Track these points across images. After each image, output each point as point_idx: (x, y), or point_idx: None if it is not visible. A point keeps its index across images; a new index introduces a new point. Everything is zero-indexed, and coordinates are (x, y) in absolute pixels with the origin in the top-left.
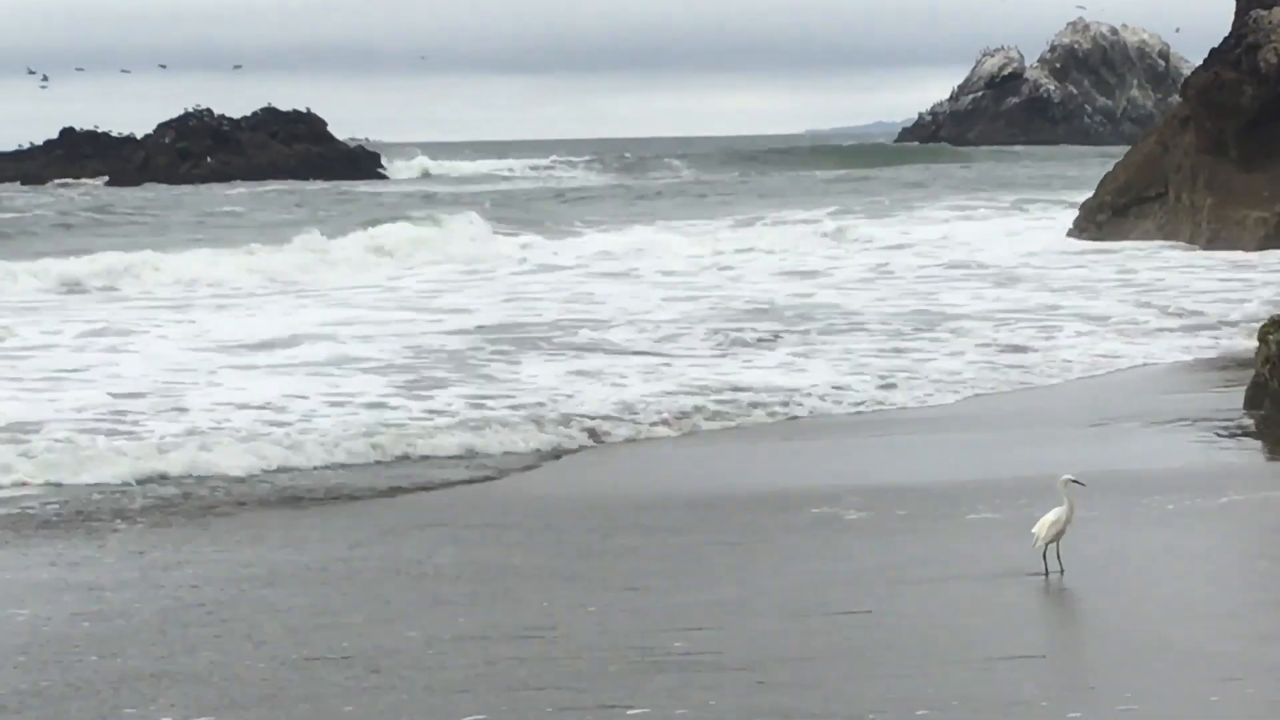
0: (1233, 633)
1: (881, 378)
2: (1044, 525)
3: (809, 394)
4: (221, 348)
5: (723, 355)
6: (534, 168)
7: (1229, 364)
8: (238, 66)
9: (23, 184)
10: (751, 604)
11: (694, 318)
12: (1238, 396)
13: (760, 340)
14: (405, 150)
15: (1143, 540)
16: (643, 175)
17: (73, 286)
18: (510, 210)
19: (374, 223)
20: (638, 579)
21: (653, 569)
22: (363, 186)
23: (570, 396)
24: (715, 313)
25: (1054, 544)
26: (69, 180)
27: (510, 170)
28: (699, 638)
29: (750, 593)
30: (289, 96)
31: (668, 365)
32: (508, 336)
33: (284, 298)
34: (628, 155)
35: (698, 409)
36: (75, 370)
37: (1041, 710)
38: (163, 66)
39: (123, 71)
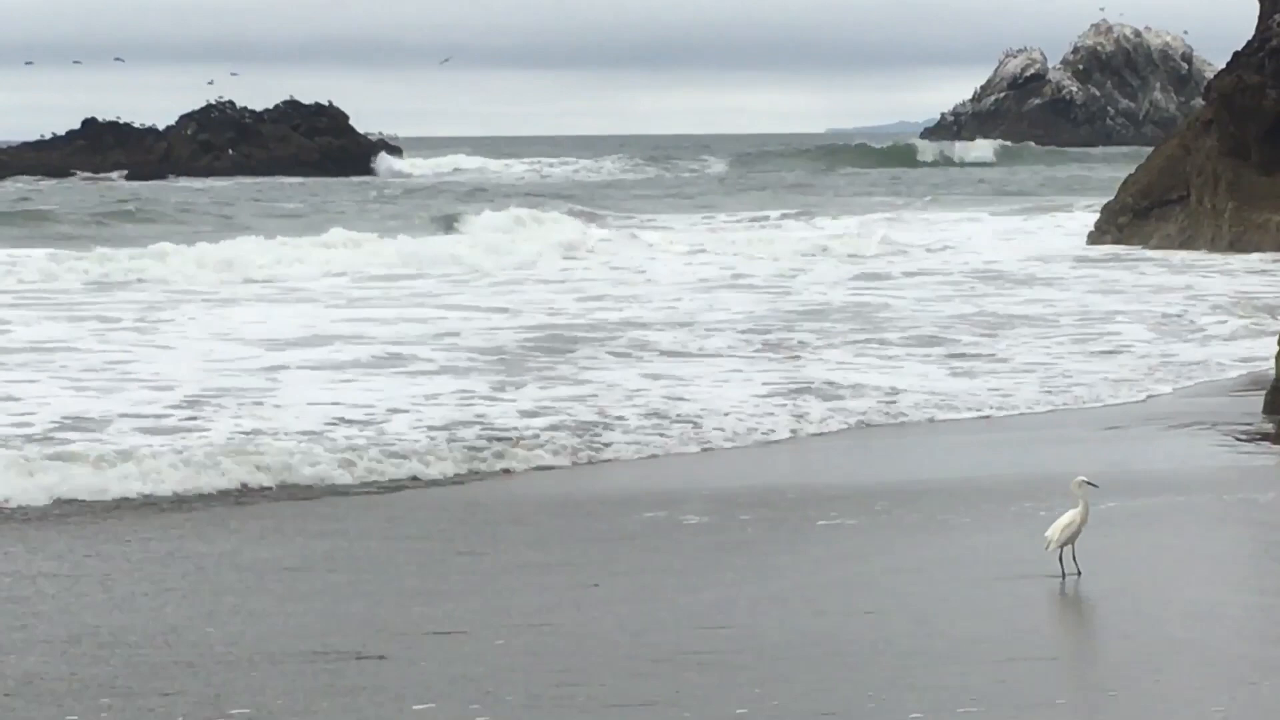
0: (1247, 635)
1: (1028, 380)
2: (1057, 528)
3: (934, 394)
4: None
5: (811, 355)
6: (557, 163)
7: (1253, 371)
8: (119, 59)
9: (45, 176)
10: (767, 602)
11: (755, 316)
12: (1258, 401)
13: (830, 342)
14: (430, 144)
15: (1158, 542)
16: (677, 170)
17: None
18: (575, 205)
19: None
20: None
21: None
22: (396, 180)
23: (683, 399)
24: (774, 311)
25: (1069, 546)
26: (90, 174)
27: (536, 166)
28: (712, 636)
29: (766, 590)
30: (308, 89)
31: (793, 362)
32: (595, 336)
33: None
34: (655, 153)
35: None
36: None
37: (1056, 710)
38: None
39: (117, 60)
